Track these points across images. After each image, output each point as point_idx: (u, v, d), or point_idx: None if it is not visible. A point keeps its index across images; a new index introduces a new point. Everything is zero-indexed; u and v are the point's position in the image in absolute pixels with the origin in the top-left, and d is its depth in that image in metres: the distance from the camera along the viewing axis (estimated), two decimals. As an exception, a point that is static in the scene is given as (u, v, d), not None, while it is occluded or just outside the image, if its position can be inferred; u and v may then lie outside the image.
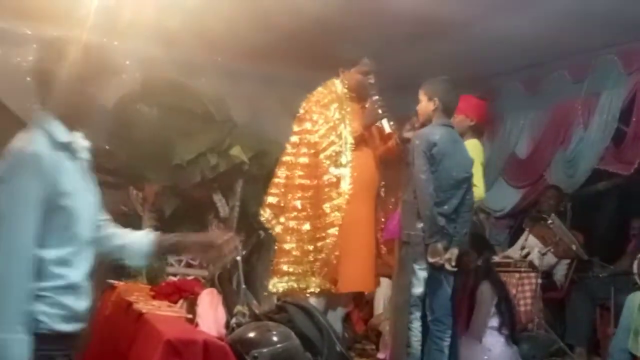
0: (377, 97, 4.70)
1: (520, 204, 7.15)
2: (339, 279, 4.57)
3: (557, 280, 6.49)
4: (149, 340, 3.68)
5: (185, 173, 6.70)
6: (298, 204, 4.66)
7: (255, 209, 7.00)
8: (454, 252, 4.20)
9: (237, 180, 6.96)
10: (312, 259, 4.57)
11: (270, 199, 4.82)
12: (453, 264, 4.20)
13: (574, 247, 5.94)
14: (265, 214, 4.84)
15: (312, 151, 4.71)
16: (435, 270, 4.22)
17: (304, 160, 4.73)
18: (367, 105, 4.75)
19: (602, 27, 5.54)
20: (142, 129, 6.77)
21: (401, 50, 6.04)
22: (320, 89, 4.86)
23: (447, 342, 4.24)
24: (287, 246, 4.66)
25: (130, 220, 6.80)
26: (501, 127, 7.26)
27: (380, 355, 5.13)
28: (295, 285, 4.58)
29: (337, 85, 4.81)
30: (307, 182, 4.69)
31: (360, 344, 5.91)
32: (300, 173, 4.71)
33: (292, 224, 4.65)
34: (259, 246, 6.71)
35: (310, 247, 4.59)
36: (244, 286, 4.76)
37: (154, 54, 6.86)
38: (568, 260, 6.41)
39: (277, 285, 4.64)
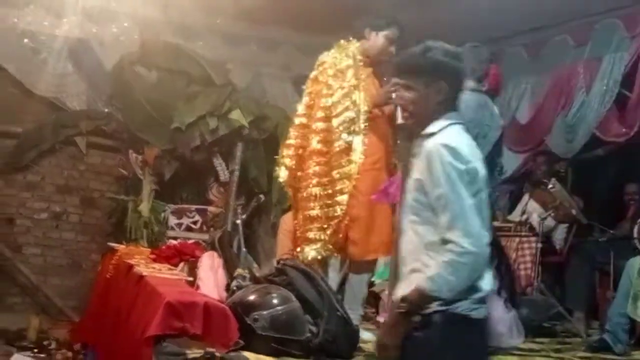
0: (396, 80, 4.59)
1: (519, 170, 7.14)
2: (366, 246, 4.53)
3: (556, 243, 6.50)
4: (150, 302, 3.70)
5: (185, 136, 6.68)
6: (318, 169, 4.58)
7: (255, 173, 7.07)
8: None
9: (236, 144, 6.94)
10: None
11: (287, 161, 4.68)
12: None
13: (573, 211, 5.93)
14: (282, 174, 4.73)
15: (327, 115, 4.62)
16: None
17: (320, 125, 4.64)
18: (384, 84, 4.63)
19: (605, -11, 5.49)
20: (141, 92, 6.74)
21: (402, 15, 5.96)
22: (334, 51, 4.71)
23: None
24: (312, 213, 4.59)
25: (130, 184, 6.83)
26: (503, 91, 7.21)
27: (379, 318, 5.14)
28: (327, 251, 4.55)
29: (354, 50, 4.70)
30: (323, 147, 4.61)
31: (360, 307, 5.93)
32: (317, 138, 4.62)
33: (315, 190, 4.59)
34: (259, 210, 6.71)
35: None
36: (244, 249, 4.76)
37: (153, 17, 6.80)
38: (566, 224, 6.42)
39: (310, 252, 4.58)
